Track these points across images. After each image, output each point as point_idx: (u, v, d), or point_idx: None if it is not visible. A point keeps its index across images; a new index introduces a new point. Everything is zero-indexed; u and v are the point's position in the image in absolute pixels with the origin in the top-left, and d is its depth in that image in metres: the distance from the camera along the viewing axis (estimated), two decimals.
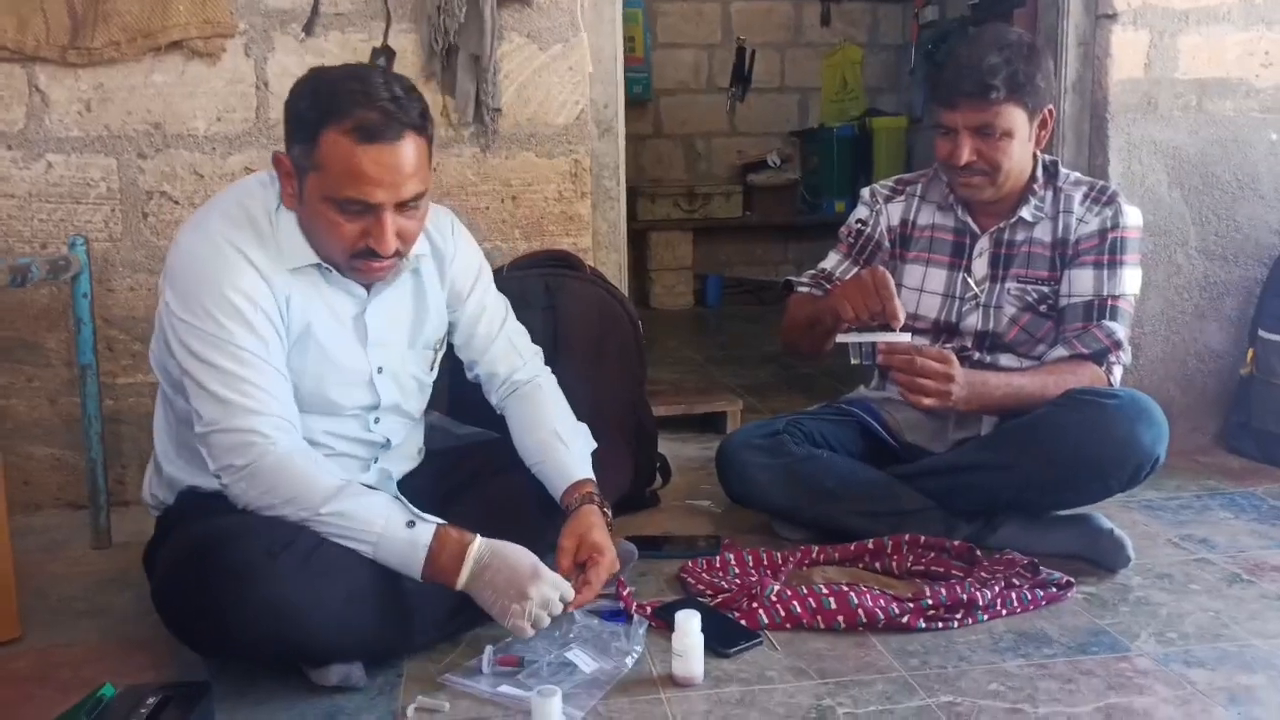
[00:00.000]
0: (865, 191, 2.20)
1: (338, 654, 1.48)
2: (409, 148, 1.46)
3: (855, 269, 2.12)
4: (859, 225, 2.16)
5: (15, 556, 1.74)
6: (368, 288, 1.60)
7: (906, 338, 1.86)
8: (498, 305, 1.81)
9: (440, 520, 1.48)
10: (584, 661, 1.51)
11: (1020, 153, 1.95)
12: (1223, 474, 2.48)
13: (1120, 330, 1.97)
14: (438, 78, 2.34)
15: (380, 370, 1.64)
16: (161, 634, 1.54)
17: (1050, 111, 1.97)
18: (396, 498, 1.51)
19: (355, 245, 1.49)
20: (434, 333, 1.73)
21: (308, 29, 2.31)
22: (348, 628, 1.46)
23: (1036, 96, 1.92)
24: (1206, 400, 2.70)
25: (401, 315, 1.67)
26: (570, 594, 1.50)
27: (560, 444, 1.70)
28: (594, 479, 1.69)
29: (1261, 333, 2.57)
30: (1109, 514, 1.99)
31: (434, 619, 1.59)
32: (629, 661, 1.53)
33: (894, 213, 2.14)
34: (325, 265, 1.55)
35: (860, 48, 5.75)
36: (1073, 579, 1.79)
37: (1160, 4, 2.55)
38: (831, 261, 2.16)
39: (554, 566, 1.56)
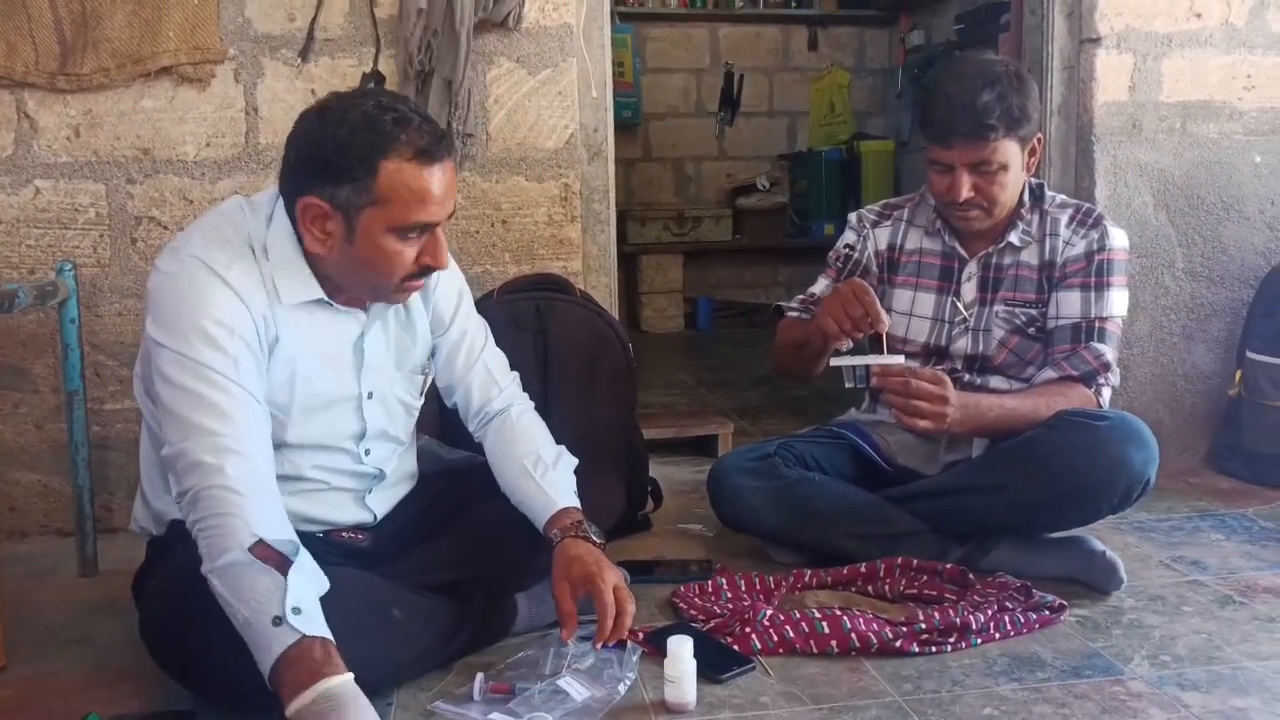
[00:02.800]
0: (852, 216, 2.21)
1: None
2: (451, 163, 1.48)
3: None
4: (846, 250, 2.16)
5: (1, 584, 1.72)
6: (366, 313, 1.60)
7: (900, 360, 1.86)
8: (478, 331, 1.79)
9: (315, 634, 1.30)
10: (576, 689, 1.50)
11: (1015, 182, 1.96)
12: (1213, 495, 2.49)
13: (1109, 352, 1.97)
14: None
15: (370, 395, 1.63)
16: (148, 663, 1.52)
17: (1039, 139, 1.98)
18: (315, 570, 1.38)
19: (409, 269, 1.48)
20: (421, 356, 1.72)
21: (304, 55, 2.32)
22: None
23: (1029, 127, 1.92)
24: (1195, 421, 2.71)
25: (392, 340, 1.67)
26: None
27: (535, 475, 1.66)
28: (576, 504, 1.66)
29: (1249, 354, 2.59)
30: (1101, 536, 1.99)
31: (424, 649, 1.57)
32: (621, 688, 1.52)
33: (881, 237, 2.14)
34: (326, 299, 1.53)
35: (847, 72, 5.80)
36: (1065, 602, 1.79)
37: (1143, 28, 2.58)
38: (820, 286, 2.16)
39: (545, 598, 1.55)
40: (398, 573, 1.61)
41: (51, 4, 2.21)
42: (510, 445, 1.71)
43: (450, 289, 1.74)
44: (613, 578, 1.55)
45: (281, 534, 1.36)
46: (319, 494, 1.61)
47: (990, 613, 1.70)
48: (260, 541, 1.32)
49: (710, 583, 1.90)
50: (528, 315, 2.20)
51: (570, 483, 1.69)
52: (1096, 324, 1.97)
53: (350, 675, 1.29)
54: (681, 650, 1.48)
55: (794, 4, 5.77)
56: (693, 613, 1.79)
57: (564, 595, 1.55)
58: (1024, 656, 1.64)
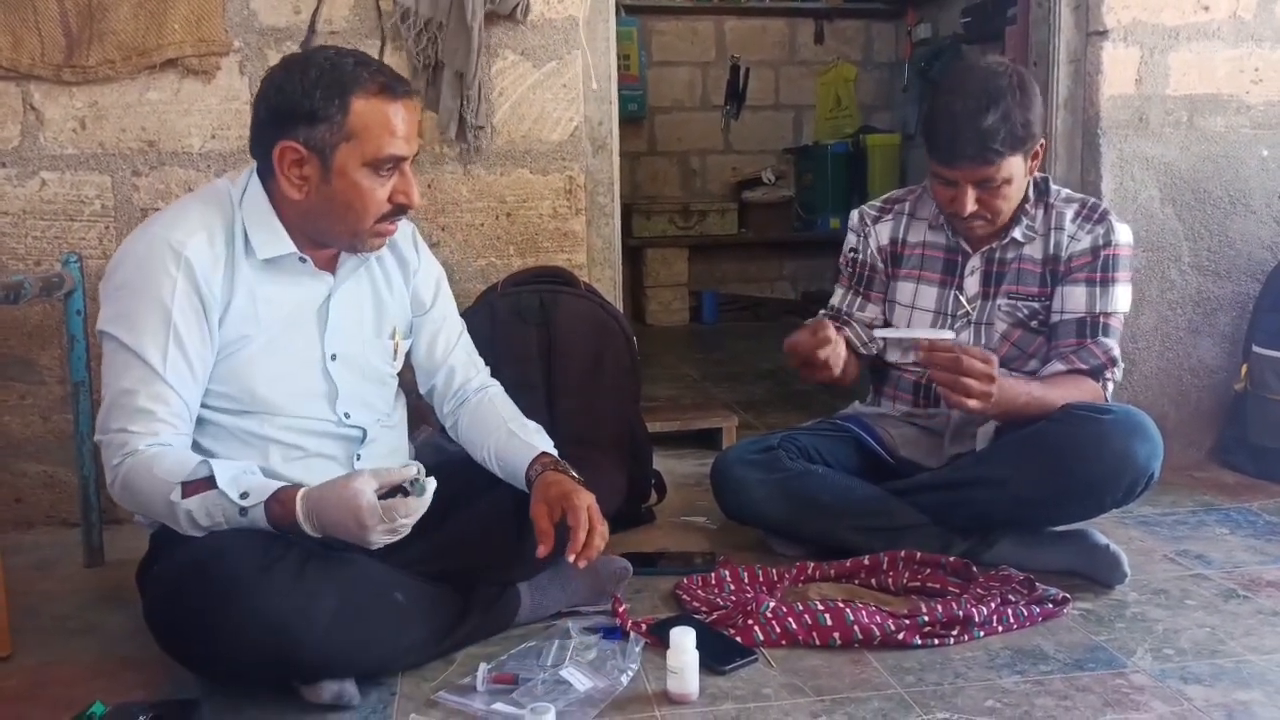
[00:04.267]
0: (854, 216, 2.19)
1: (330, 670, 1.47)
2: (413, 102, 1.55)
3: (859, 299, 2.14)
4: (851, 254, 2.16)
5: (6, 574, 1.73)
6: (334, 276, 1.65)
7: (950, 335, 1.84)
8: (455, 316, 1.86)
9: (267, 497, 1.44)
10: (579, 679, 1.51)
11: (1018, 192, 1.95)
12: (1218, 489, 2.48)
13: (1115, 347, 1.97)
14: (422, 94, 2.34)
15: (334, 357, 1.65)
16: (153, 652, 1.53)
17: (1042, 143, 1.96)
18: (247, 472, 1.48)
19: (383, 208, 1.54)
20: (396, 322, 1.75)
21: (303, 47, 2.32)
22: (340, 643, 1.45)
23: (1033, 140, 1.90)
24: (1201, 415, 2.70)
25: (362, 304, 1.70)
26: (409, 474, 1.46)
27: (519, 434, 1.74)
28: (553, 453, 1.71)
29: (1255, 348, 2.58)
30: (1105, 529, 1.99)
31: (428, 635, 1.58)
32: (624, 679, 1.53)
33: (883, 232, 2.13)
34: (301, 256, 1.58)
35: (854, 65, 5.78)
36: (1069, 595, 1.79)
37: (1150, 21, 2.57)
38: (836, 297, 2.18)
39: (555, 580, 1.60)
40: (401, 561, 1.61)
41: None
42: (493, 413, 1.77)
43: (430, 273, 1.81)
44: (588, 499, 1.58)
45: (188, 468, 1.45)
46: (307, 460, 1.63)
47: (993, 606, 1.71)
48: (181, 484, 1.43)
49: (713, 575, 1.91)
50: (532, 308, 2.20)
51: (550, 444, 1.74)
52: (1101, 319, 1.97)
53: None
54: (684, 641, 1.48)
55: None
56: (696, 604, 1.79)
57: (541, 515, 1.58)
58: (1027, 649, 1.64)
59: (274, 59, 2.30)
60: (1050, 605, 1.75)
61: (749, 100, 5.76)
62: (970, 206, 1.91)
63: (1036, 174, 2.03)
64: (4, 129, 2.27)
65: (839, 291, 2.18)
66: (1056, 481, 1.84)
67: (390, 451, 1.76)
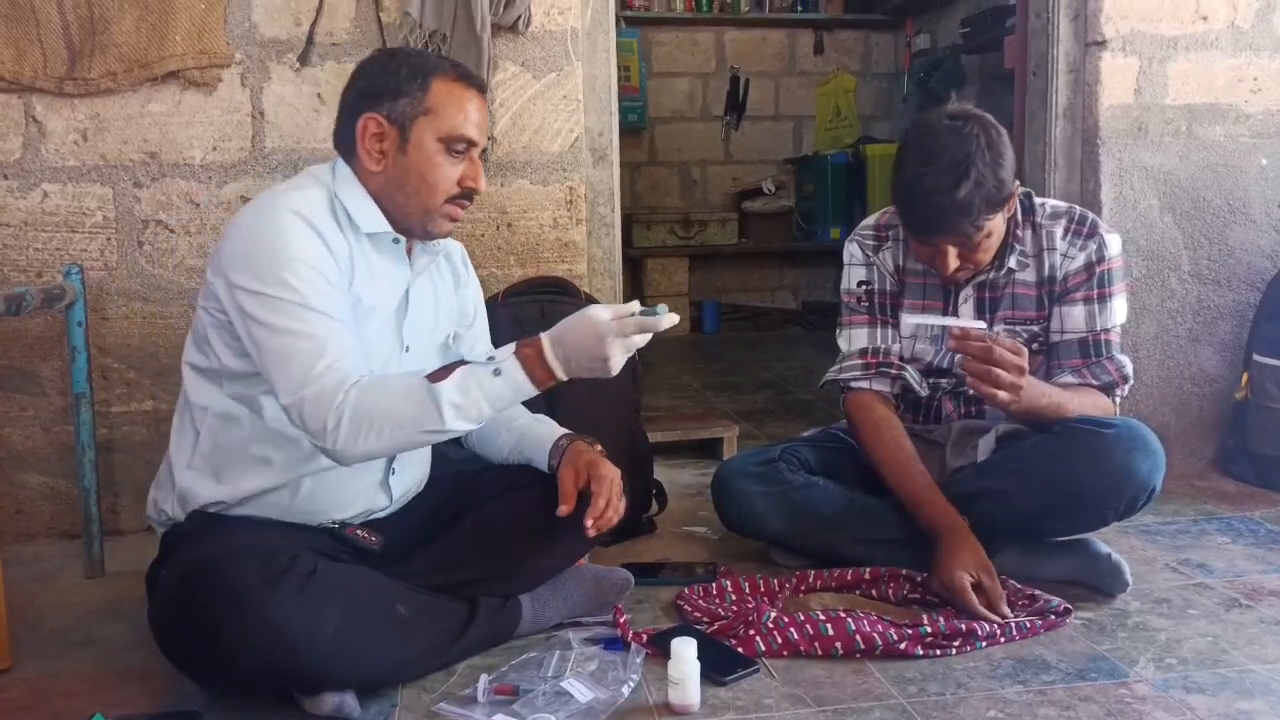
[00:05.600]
0: (852, 250, 2.09)
1: (332, 682, 1.47)
2: (484, 98, 1.66)
3: (888, 330, 2.04)
4: (864, 288, 2.07)
5: (7, 586, 1.72)
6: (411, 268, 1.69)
7: (982, 325, 1.80)
8: (487, 334, 1.89)
9: (511, 353, 1.49)
10: (580, 691, 1.50)
11: (998, 238, 1.90)
12: (1219, 498, 2.48)
13: (1128, 364, 1.97)
14: None
15: (408, 350, 1.67)
16: (154, 664, 1.53)
17: (1018, 186, 1.91)
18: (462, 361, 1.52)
19: (453, 189, 1.61)
20: (453, 325, 1.80)
21: (302, 59, 2.33)
22: (343, 655, 1.45)
23: (1007, 190, 1.84)
24: (1202, 424, 2.70)
25: (429, 303, 1.75)
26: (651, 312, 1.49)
27: (540, 422, 1.79)
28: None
29: (1256, 357, 2.58)
30: (1107, 539, 1.98)
31: (429, 647, 1.58)
32: (625, 690, 1.52)
33: (887, 260, 2.07)
34: (395, 236, 1.63)
35: (853, 76, 5.80)
36: (1070, 605, 1.79)
37: (1149, 31, 2.58)
38: (864, 336, 2.05)
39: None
40: (403, 573, 1.62)
41: (60, 9, 2.22)
42: (504, 417, 1.76)
43: (476, 290, 1.89)
44: (614, 472, 1.66)
45: (413, 377, 1.49)
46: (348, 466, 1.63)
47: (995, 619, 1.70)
48: (426, 376, 1.47)
49: (714, 585, 1.91)
50: (532, 318, 2.20)
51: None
52: (1102, 337, 1.96)
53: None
54: (685, 652, 1.48)
55: (800, 8, 5.77)
56: (697, 615, 1.79)
57: (567, 479, 1.65)
58: (1029, 659, 1.64)
59: (275, 71, 2.32)
60: (1052, 615, 1.75)
61: (749, 111, 5.78)
62: (953, 265, 1.87)
63: (1019, 191, 1.99)
64: (6, 141, 2.28)
65: (863, 331, 2.05)
66: (1058, 495, 1.84)
67: (421, 464, 1.79)
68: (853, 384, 2.04)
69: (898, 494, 1.94)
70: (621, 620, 1.73)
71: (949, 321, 1.84)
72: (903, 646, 1.63)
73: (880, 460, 1.97)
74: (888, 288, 2.06)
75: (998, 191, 1.80)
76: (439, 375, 1.46)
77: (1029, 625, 1.71)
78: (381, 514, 1.71)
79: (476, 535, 1.70)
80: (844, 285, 2.10)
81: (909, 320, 1.86)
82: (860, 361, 2.04)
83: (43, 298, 2.00)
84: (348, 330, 1.52)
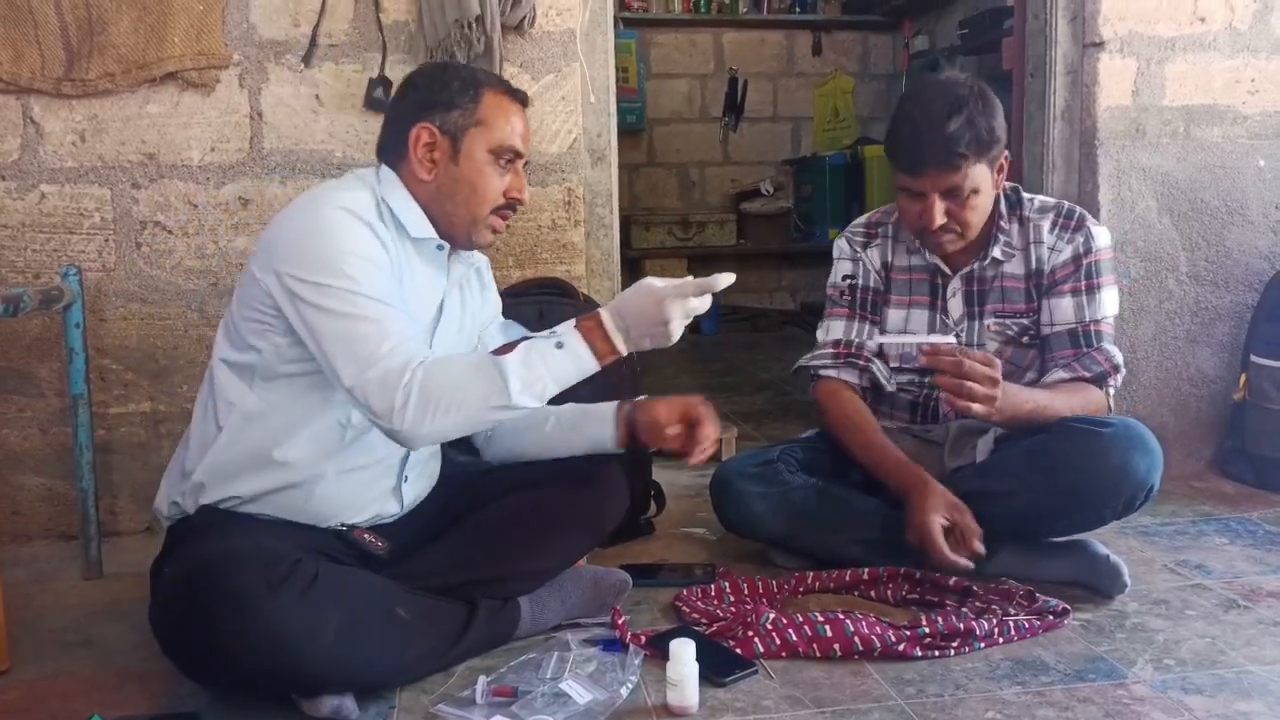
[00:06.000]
0: (841, 244, 2.14)
1: (332, 686, 1.47)
2: (526, 113, 1.71)
3: (865, 325, 2.08)
4: (848, 282, 2.11)
5: (5, 587, 1.72)
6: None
7: (951, 339, 1.82)
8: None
9: (571, 325, 1.54)
10: (578, 692, 1.50)
11: (986, 204, 1.93)
12: (1218, 499, 2.48)
13: (1118, 354, 1.97)
14: None
15: None
16: (152, 665, 1.52)
17: (1007, 156, 1.95)
18: (526, 337, 1.57)
19: (499, 199, 1.66)
20: (471, 337, 1.81)
21: (306, 60, 2.33)
22: (343, 659, 1.45)
23: (998, 148, 1.90)
24: (1200, 425, 2.70)
25: (459, 311, 1.77)
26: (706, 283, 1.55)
27: (581, 407, 1.80)
28: None
29: (1254, 358, 2.58)
30: (1105, 540, 1.98)
31: (429, 650, 1.58)
32: (624, 692, 1.52)
33: (874, 257, 2.10)
34: (440, 243, 1.66)
35: (852, 77, 5.80)
36: (1069, 606, 1.79)
37: (1147, 32, 2.58)
38: (840, 328, 2.10)
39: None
40: (404, 574, 1.62)
41: (58, 10, 2.22)
42: (538, 410, 1.73)
43: (496, 302, 1.91)
44: (709, 407, 1.75)
45: (476, 355, 1.57)
46: (363, 471, 1.64)
47: (994, 620, 1.70)
48: (492, 354, 1.51)
49: (713, 586, 1.91)
50: (530, 319, 2.19)
51: None
52: (1092, 328, 1.97)
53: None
54: (684, 653, 1.48)
55: (798, 9, 5.77)
56: (695, 616, 1.79)
57: (672, 418, 1.75)
58: (1027, 660, 1.64)
59: (274, 72, 2.32)
60: (1051, 616, 1.75)
61: (747, 112, 5.78)
62: (939, 219, 1.89)
63: (1006, 185, 2.02)
64: (4, 142, 2.28)
65: (839, 324, 2.10)
66: (1056, 494, 1.84)
67: (430, 473, 1.80)
68: (821, 371, 2.10)
69: (866, 467, 1.98)
70: (620, 622, 1.73)
71: (918, 339, 1.89)
72: (901, 648, 1.63)
73: (845, 435, 2.02)
74: (871, 284, 2.10)
75: (988, 136, 1.86)
76: (502, 351, 1.49)
77: (1027, 626, 1.71)
78: (389, 519, 1.71)
79: (476, 536, 1.70)
80: (830, 279, 2.15)
81: (878, 339, 1.88)
82: (832, 351, 2.09)
83: (40, 299, 2.00)
84: (406, 316, 1.54)
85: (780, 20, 5.79)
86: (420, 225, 1.64)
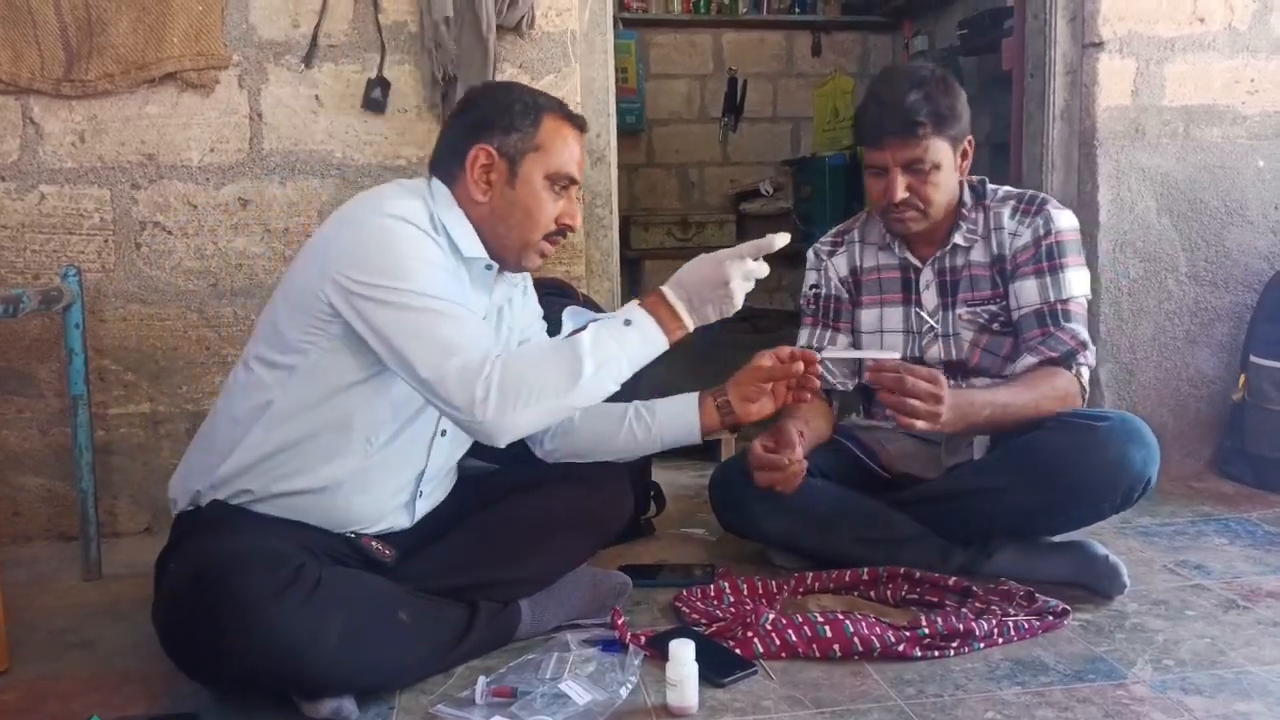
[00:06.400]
0: (809, 255, 2.21)
1: (333, 688, 1.47)
2: (583, 139, 1.72)
3: (828, 332, 2.14)
4: (813, 290, 2.18)
5: (5, 588, 1.73)
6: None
7: (895, 355, 1.85)
8: None
9: (634, 304, 1.57)
10: (577, 693, 1.50)
11: (948, 183, 1.97)
12: (1217, 499, 2.48)
13: (1083, 331, 1.97)
14: (438, 109, 2.35)
15: None
16: (152, 666, 1.52)
17: (970, 141, 1.99)
18: (593, 319, 1.62)
19: (550, 225, 1.66)
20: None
21: (307, 61, 2.33)
22: (345, 663, 1.45)
23: (958, 126, 1.95)
24: (1200, 425, 2.70)
25: (502, 331, 1.78)
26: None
27: (653, 402, 1.85)
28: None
29: (1253, 358, 2.58)
30: (1104, 540, 1.99)
31: (429, 652, 1.58)
32: (623, 692, 1.52)
33: (840, 265, 2.15)
34: (489, 263, 1.66)
35: (851, 78, 5.80)
36: (1068, 606, 1.79)
37: (1146, 32, 2.58)
38: (803, 336, 2.17)
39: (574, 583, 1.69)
40: (405, 576, 1.62)
41: (57, 11, 2.22)
42: (598, 409, 1.75)
43: (536, 310, 1.90)
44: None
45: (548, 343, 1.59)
46: (380, 486, 1.64)
47: (994, 621, 1.70)
48: (567, 337, 1.53)
49: (713, 587, 1.90)
50: None
51: None
52: (1059, 307, 1.96)
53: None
54: (683, 654, 1.48)
55: (797, 10, 5.77)
56: (695, 616, 1.79)
57: (758, 374, 1.79)
58: (1027, 660, 1.64)
59: (273, 73, 2.32)
60: (1050, 617, 1.75)
61: (747, 112, 5.78)
62: (900, 192, 1.93)
63: (972, 178, 2.05)
64: (3, 143, 2.28)
65: (805, 331, 2.17)
66: (1054, 489, 1.84)
67: (444, 472, 1.79)
68: None
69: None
70: (619, 622, 1.73)
71: (862, 354, 1.91)
72: (901, 648, 1.63)
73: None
74: (833, 292, 2.15)
75: (948, 111, 1.92)
76: (576, 334, 1.51)
77: (1027, 626, 1.71)
78: (398, 530, 1.71)
79: (479, 539, 1.70)
80: (802, 289, 2.21)
81: (823, 355, 1.89)
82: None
83: (40, 299, 2.00)
84: (476, 318, 1.56)
85: (780, 21, 5.79)
86: (472, 245, 1.64)
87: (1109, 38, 2.57)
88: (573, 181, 1.67)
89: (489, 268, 1.67)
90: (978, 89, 4.87)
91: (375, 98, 2.33)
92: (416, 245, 1.53)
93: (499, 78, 2.36)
